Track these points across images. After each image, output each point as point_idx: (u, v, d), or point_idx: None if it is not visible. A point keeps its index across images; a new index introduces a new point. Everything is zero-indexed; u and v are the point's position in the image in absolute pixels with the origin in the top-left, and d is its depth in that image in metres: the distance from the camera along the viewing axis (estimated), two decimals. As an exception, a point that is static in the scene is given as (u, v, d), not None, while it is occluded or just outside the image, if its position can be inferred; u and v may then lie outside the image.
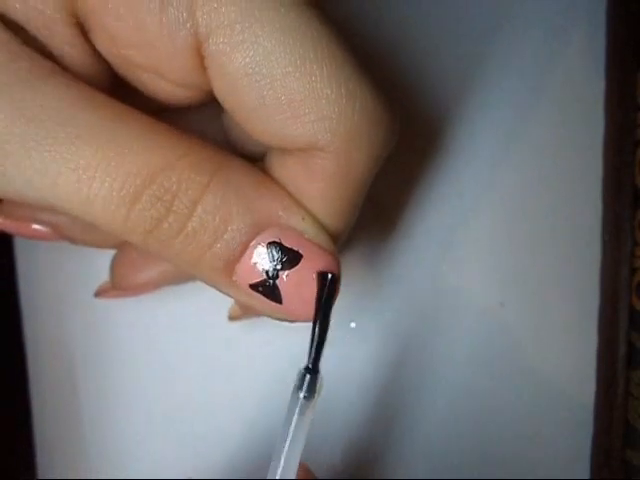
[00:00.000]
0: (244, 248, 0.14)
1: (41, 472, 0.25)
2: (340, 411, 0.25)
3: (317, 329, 0.15)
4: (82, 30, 0.14)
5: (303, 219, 0.15)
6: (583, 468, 0.24)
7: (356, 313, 0.24)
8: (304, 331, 0.24)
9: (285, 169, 0.15)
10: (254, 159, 0.17)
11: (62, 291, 0.24)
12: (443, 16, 0.24)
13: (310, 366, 0.15)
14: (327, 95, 0.14)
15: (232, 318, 0.23)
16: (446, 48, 0.24)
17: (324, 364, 0.25)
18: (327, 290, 0.14)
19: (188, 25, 0.13)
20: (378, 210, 0.24)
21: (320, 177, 0.15)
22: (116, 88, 0.15)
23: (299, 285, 0.14)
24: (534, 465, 0.25)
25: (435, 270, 0.24)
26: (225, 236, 0.14)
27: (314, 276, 0.14)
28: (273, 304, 0.15)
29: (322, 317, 0.15)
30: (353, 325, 0.24)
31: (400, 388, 0.25)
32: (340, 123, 0.14)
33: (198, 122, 0.18)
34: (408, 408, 0.25)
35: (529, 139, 0.24)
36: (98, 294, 0.23)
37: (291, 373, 0.24)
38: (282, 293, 0.14)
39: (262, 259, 0.14)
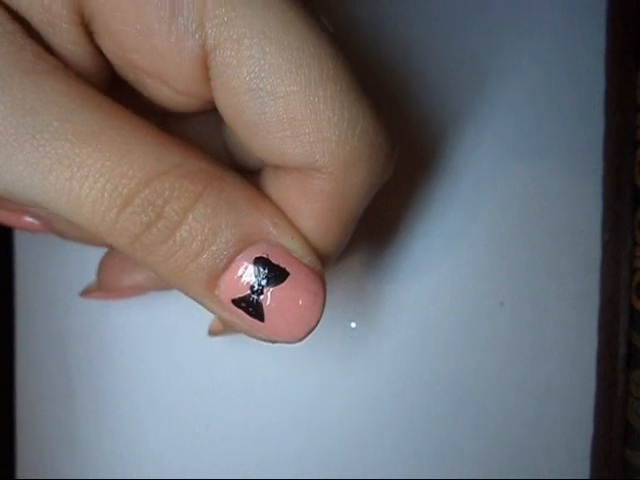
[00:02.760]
0: (229, 261, 0.14)
1: (34, 472, 0.24)
2: (339, 410, 0.25)
3: None
4: (87, 30, 0.14)
5: (292, 238, 0.15)
6: (583, 468, 0.24)
7: (356, 313, 0.24)
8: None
9: (280, 186, 0.15)
10: (251, 172, 0.17)
11: (59, 288, 0.24)
12: (442, 17, 0.24)
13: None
14: (329, 117, 0.14)
15: (212, 333, 0.23)
16: (445, 48, 0.24)
17: (324, 364, 0.25)
18: None
19: (196, 36, 0.13)
20: (378, 211, 0.24)
21: (315, 198, 0.15)
22: (116, 92, 0.14)
23: (283, 303, 0.14)
24: (534, 465, 0.25)
25: (435, 270, 0.24)
26: (212, 247, 0.14)
27: (299, 297, 0.14)
28: (255, 322, 0.14)
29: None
30: (353, 325, 0.24)
31: (399, 387, 0.24)
32: (339, 146, 0.14)
33: (198, 130, 0.18)
34: (407, 407, 0.25)
35: (529, 139, 0.24)
36: (84, 294, 0.22)
37: (291, 372, 0.25)
38: (265, 311, 0.14)
39: (247, 273, 0.14)
